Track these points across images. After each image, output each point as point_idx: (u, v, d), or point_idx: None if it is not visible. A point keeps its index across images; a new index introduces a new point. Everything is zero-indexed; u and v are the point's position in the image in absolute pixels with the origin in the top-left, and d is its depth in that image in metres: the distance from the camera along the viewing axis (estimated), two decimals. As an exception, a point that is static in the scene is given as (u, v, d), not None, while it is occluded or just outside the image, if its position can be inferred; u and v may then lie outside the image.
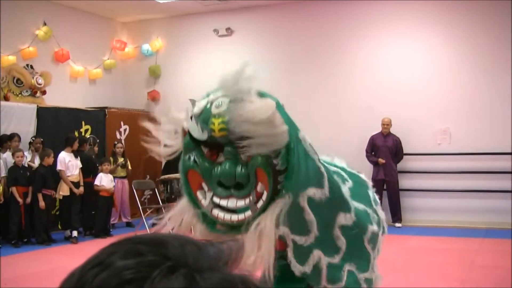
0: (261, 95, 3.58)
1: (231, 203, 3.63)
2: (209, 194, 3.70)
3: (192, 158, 3.70)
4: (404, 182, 12.05)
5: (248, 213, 3.60)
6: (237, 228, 3.66)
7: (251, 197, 3.59)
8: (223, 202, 3.64)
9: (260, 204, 3.58)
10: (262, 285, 0.82)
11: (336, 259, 3.99)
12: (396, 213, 11.83)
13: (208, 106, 3.55)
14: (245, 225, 3.57)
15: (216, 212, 3.64)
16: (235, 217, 3.63)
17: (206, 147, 3.65)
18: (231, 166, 3.57)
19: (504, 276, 7.31)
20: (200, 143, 3.64)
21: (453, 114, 11.80)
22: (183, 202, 3.96)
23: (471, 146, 11.55)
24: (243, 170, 3.57)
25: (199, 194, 3.76)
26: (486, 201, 11.44)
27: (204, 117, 3.56)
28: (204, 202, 3.73)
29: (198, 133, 3.59)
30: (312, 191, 3.75)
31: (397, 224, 11.75)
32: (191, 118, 3.63)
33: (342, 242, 3.99)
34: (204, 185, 3.72)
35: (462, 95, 11.75)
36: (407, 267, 8.02)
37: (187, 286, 0.65)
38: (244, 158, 3.57)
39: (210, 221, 3.74)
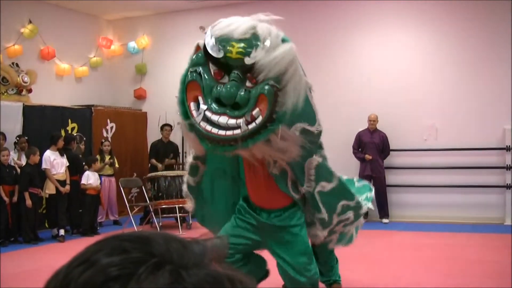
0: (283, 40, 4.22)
1: (223, 119, 3.98)
2: (202, 107, 4.04)
3: (198, 71, 4.09)
4: (391, 178, 12.09)
5: (237, 131, 3.97)
6: (223, 146, 4.03)
7: (244, 119, 3.96)
8: (214, 117, 3.99)
9: (252, 126, 3.96)
10: (247, 282, 0.82)
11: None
12: (383, 208, 11.87)
13: (229, 30, 4.02)
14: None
15: (204, 124, 4.01)
16: (222, 132, 3.97)
17: (215, 66, 4.06)
18: (234, 88, 3.95)
19: (490, 269, 7.37)
20: (211, 61, 4.05)
21: (439, 110, 11.85)
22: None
23: (457, 142, 11.60)
24: (244, 93, 3.96)
25: (192, 105, 4.11)
26: (473, 196, 11.51)
27: (223, 38, 4.01)
28: (195, 113, 4.07)
29: (215, 51, 4.00)
30: (305, 125, 4.31)
31: (384, 220, 11.80)
32: (210, 36, 4.07)
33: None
34: (200, 98, 4.08)
35: (448, 91, 11.80)
36: (394, 262, 8.06)
37: (173, 282, 0.65)
38: (249, 84, 3.99)
39: (198, 134, 4.09)
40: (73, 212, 11.12)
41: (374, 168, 11.82)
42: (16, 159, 10.59)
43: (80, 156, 11.51)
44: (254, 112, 3.96)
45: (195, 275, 0.67)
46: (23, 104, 11.41)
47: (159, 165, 12.29)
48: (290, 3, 12.96)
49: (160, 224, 11.36)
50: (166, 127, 12.81)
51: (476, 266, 7.63)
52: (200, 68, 4.08)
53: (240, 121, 3.95)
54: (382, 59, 12.33)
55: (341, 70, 12.63)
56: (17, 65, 12.18)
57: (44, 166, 10.44)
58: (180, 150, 13.34)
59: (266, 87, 3.93)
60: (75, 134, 11.94)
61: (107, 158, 11.90)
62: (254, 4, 13.39)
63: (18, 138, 10.80)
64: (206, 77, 4.05)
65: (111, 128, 13.35)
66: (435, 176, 11.78)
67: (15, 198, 10.08)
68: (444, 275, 7.13)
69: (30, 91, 12.16)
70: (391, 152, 12.03)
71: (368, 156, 11.79)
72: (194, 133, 4.11)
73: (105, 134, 13.08)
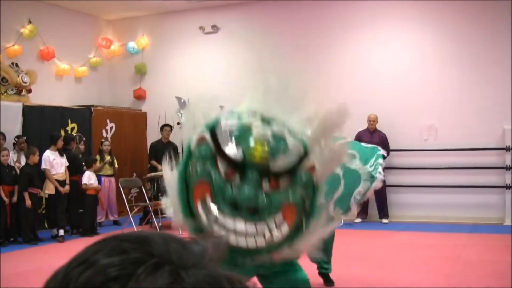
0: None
1: (240, 225, 3.50)
2: (213, 209, 3.55)
3: (204, 168, 3.59)
4: (391, 178, 12.08)
5: (260, 240, 3.54)
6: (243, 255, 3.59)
7: (266, 225, 3.54)
8: (230, 223, 3.51)
9: (277, 235, 3.56)
10: (246, 282, 0.82)
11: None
12: (383, 209, 11.87)
13: (245, 127, 3.58)
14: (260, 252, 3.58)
15: (217, 229, 3.51)
16: (242, 241, 3.51)
17: (225, 164, 3.56)
18: (254, 191, 3.50)
19: (490, 270, 7.37)
20: (223, 157, 3.56)
21: (438, 110, 11.85)
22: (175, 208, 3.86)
23: (457, 142, 11.60)
24: (266, 198, 3.52)
25: (200, 206, 3.61)
26: (473, 196, 11.50)
27: (241, 137, 3.56)
28: (205, 216, 3.58)
29: (232, 152, 3.53)
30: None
31: (384, 220, 11.79)
32: (224, 132, 3.57)
33: None
34: (208, 199, 3.58)
35: (448, 91, 11.80)
36: (394, 262, 8.05)
37: (172, 282, 0.65)
38: (266, 186, 3.53)
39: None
40: (72, 212, 11.12)
41: (374, 168, 11.80)
42: (15, 159, 10.59)
43: (80, 156, 11.51)
44: (277, 219, 3.57)
45: (194, 276, 0.67)
46: (23, 104, 11.41)
47: (159, 166, 12.29)
48: (290, 3, 12.96)
49: (160, 224, 11.36)
50: (166, 128, 12.81)
51: (476, 266, 7.63)
52: (208, 164, 3.60)
53: (261, 227, 3.55)
54: (382, 59, 12.32)
55: (340, 70, 12.61)
56: (16, 65, 12.18)
57: (43, 166, 10.44)
58: (180, 150, 13.33)
59: (295, 196, 3.58)
60: (74, 134, 11.94)
61: (107, 158, 11.91)
62: (253, 4, 13.40)
63: (17, 139, 10.80)
64: (217, 176, 3.57)
65: (111, 128, 13.34)
66: (434, 176, 11.77)
67: (14, 198, 10.07)
68: (444, 275, 7.13)
69: (29, 91, 12.16)
70: (390, 152, 12.02)
71: (367, 156, 11.77)
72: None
73: (104, 134, 13.08)
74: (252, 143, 3.52)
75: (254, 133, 3.53)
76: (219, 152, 3.56)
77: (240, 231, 3.50)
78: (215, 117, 3.73)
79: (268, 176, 3.53)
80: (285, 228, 3.58)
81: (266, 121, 3.64)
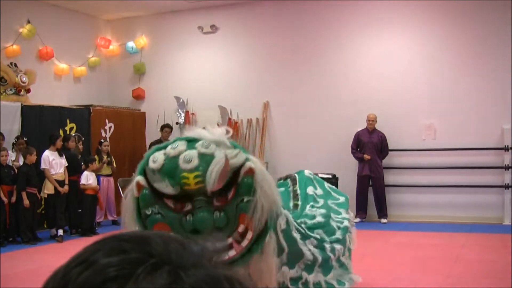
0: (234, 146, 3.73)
1: None
2: None
3: (155, 211, 3.64)
4: (390, 178, 12.09)
5: (232, 252, 3.63)
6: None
7: (232, 239, 3.63)
8: None
9: (245, 243, 3.67)
10: (246, 282, 0.82)
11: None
12: (382, 209, 11.87)
13: (168, 160, 3.59)
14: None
15: None
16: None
17: (170, 200, 3.63)
18: (207, 214, 3.59)
19: (489, 269, 7.37)
20: (164, 196, 3.62)
21: (437, 110, 11.86)
22: None
23: (455, 142, 11.61)
24: (221, 215, 3.62)
25: None
26: (471, 196, 11.51)
27: (169, 172, 3.58)
28: None
29: (168, 188, 3.57)
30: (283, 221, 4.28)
31: (383, 220, 11.80)
32: (153, 172, 3.59)
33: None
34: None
35: (446, 90, 11.81)
36: (393, 262, 8.06)
37: (171, 282, 0.65)
38: (217, 203, 3.61)
39: None
40: (71, 212, 11.12)
41: (373, 168, 11.82)
42: (14, 159, 10.58)
43: (79, 156, 11.50)
44: (240, 230, 3.69)
45: (194, 276, 0.67)
46: (22, 104, 11.40)
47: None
48: (288, 4, 12.96)
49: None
50: (166, 128, 12.85)
51: (475, 266, 7.64)
52: (156, 207, 3.65)
53: (229, 241, 3.65)
54: (381, 59, 12.33)
55: (340, 70, 12.62)
56: (15, 65, 12.17)
57: (43, 166, 10.44)
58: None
59: (243, 204, 3.66)
60: (73, 134, 11.93)
61: (105, 158, 11.91)
62: (252, 5, 13.40)
63: (16, 140, 10.79)
64: (167, 213, 3.64)
65: (110, 128, 13.33)
66: (433, 176, 11.78)
67: (13, 199, 10.07)
68: (443, 275, 7.13)
69: (28, 91, 12.15)
70: (389, 152, 12.03)
71: (366, 156, 11.79)
72: None
73: (103, 134, 13.07)
74: (181, 173, 3.55)
75: (180, 163, 3.56)
76: (157, 192, 3.61)
77: None
78: (145, 159, 3.75)
79: (215, 194, 3.60)
80: (249, 234, 3.68)
81: (191, 143, 3.67)
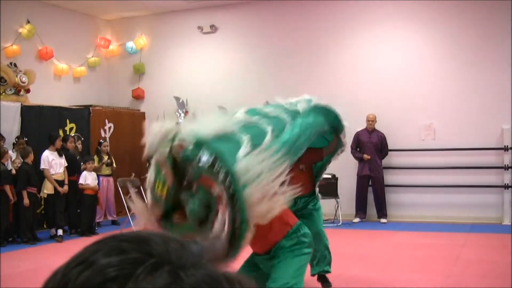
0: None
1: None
2: None
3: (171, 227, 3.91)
4: (389, 178, 12.10)
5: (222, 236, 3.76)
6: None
7: (218, 225, 3.68)
8: None
9: (226, 224, 3.68)
10: (245, 282, 0.83)
11: None
12: (381, 209, 11.87)
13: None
14: None
15: None
16: None
17: (174, 214, 3.92)
18: (192, 206, 3.75)
19: (488, 269, 7.38)
20: (168, 214, 3.92)
21: (436, 110, 11.86)
22: None
23: (455, 142, 11.61)
24: (199, 206, 3.73)
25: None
26: (471, 196, 11.51)
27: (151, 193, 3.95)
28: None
29: (158, 208, 3.90)
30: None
31: (383, 220, 11.80)
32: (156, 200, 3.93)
33: None
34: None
35: (446, 91, 11.81)
36: (392, 262, 8.06)
37: (171, 283, 0.65)
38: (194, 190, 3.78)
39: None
40: (71, 212, 11.12)
41: (372, 168, 11.82)
42: (13, 160, 10.57)
43: (78, 156, 11.51)
44: (220, 214, 3.73)
45: (194, 276, 0.67)
46: (21, 104, 11.40)
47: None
48: (287, 3, 12.97)
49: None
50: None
51: (474, 266, 7.64)
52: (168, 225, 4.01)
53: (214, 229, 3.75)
54: (381, 59, 12.33)
55: (339, 69, 12.63)
56: (15, 65, 12.18)
57: (42, 166, 10.44)
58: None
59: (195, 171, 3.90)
60: (73, 134, 11.93)
61: (105, 158, 11.91)
62: (252, 4, 13.40)
63: (16, 140, 10.79)
64: (169, 225, 4.01)
65: (109, 128, 13.34)
66: (433, 176, 11.78)
67: (14, 198, 10.06)
68: (442, 275, 7.14)
69: (28, 91, 12.16)
70: (389, 152, 12.04)
71: (366, 156, 11.79)
72: None
73: (103, 134, 13.08)
74: (151, 186, 3.97)
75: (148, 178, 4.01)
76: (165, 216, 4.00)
77: None
78: None
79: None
80: (225, 216, 3.62)
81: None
